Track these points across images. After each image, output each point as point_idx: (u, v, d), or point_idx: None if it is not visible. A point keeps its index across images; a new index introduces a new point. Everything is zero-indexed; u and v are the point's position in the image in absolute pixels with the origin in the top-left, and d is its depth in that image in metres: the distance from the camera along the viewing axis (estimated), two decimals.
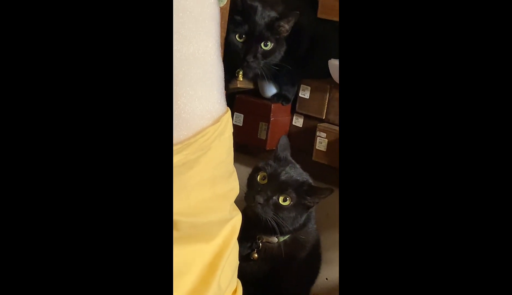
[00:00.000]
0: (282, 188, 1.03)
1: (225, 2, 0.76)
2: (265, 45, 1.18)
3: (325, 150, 1.30)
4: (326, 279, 1.29)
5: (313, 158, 1.32)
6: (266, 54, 1.19)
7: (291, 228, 1.05)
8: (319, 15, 1.28)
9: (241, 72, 1.24)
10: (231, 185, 0.77)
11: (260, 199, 1.00)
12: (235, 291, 0.80)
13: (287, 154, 1.11)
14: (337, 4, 1.22)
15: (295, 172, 1.06)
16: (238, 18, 1.16)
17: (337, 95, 1.31)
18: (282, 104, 1.36)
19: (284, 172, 1.04)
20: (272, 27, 1.18)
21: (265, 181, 1.04)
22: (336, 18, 1.24)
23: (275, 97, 1.35)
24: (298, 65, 1.29)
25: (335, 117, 1.31)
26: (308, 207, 1.06)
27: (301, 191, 1.04)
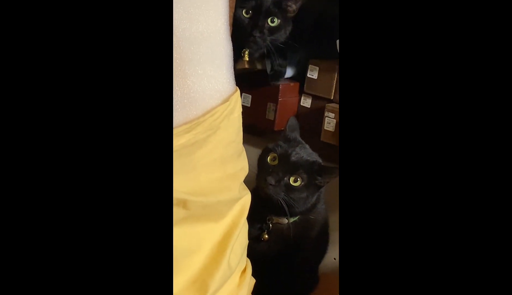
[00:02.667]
0: (293, 168, 1.02)
1: None
2: (272, 22, 1.17)
3: (333, 130, 1.29)
4: (334, 259, 1.29)
5: (321, 139, 1.31)
6: (272, 30, 1.18)
7: (302, 209, 1.04)
8: None
9: (247, 52, 1.23)
10: (240, 164, 0.77)
11: (272, 180, 1.00)
12: (245, 270, 0.81)
13: (296, 134, 1.11)
14: None
15: (305, 152, 1.06)
16: None
17: None
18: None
19: (294, 153, 1.04)
20: (279, 5, 1.16)
21: (276, 162, 1.04)
22: None
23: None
24: (304, 45, 1.28)
25: None
26: (319, 187, 1.06)
27: (312, 171, 1.03)
